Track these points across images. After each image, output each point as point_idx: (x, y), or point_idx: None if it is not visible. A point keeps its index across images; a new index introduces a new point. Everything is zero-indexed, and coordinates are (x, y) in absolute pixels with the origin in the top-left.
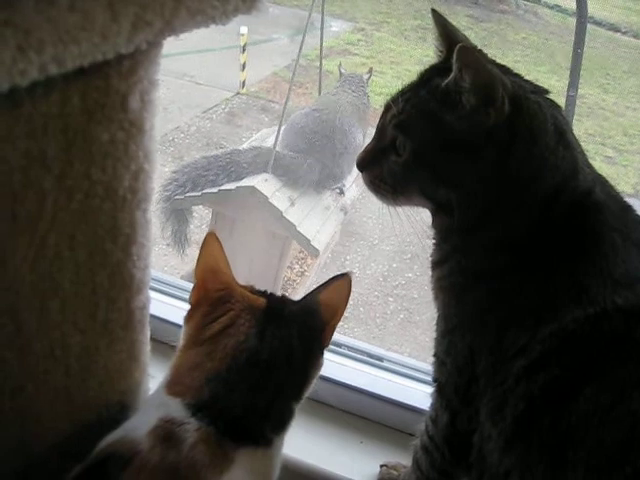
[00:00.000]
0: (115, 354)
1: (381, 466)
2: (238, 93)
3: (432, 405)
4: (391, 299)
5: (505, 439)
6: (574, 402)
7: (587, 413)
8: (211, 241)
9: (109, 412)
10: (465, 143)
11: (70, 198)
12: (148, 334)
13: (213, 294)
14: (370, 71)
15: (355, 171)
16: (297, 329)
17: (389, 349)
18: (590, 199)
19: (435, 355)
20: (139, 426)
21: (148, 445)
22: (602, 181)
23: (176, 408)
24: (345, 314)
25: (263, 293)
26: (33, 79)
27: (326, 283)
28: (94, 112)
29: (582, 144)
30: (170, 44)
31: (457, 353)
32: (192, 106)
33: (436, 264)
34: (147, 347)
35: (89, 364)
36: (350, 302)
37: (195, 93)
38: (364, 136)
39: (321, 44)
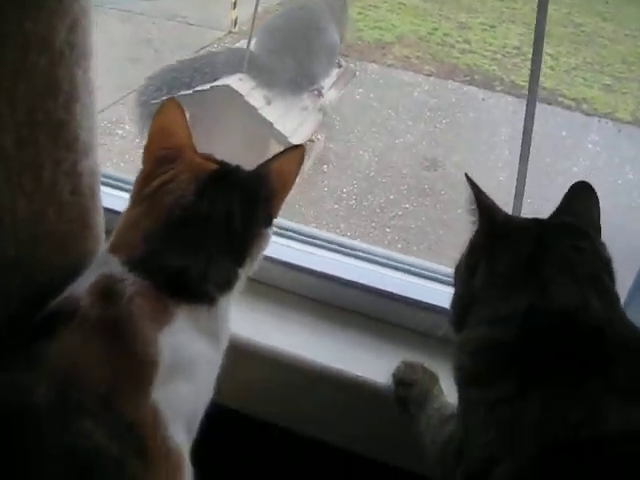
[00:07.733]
0: (66, 222)
1: (401, 362)
2: (230, 32)
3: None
4: (388, 230)
5: None
6: None
7: None
8: (170, 105)
9: (64, 280)
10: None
11: (4, 53)
12: (100, 202)
13: (158, 152)
14: None
15: (334, 74)
16: (241, 192)
17: None
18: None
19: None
20: (82, 284)
21: (88, 301)
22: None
23: (115, 265)
24: None
25: (219, 162)
26: None
27: (280, 153)
28: None
29: (580, 72)
30: None
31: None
32: (184, 47)
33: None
34: (100, 215)
35: (39, 232)
36: (347, 235)
37: (187, 34)
38: (341, 38)
39: None
